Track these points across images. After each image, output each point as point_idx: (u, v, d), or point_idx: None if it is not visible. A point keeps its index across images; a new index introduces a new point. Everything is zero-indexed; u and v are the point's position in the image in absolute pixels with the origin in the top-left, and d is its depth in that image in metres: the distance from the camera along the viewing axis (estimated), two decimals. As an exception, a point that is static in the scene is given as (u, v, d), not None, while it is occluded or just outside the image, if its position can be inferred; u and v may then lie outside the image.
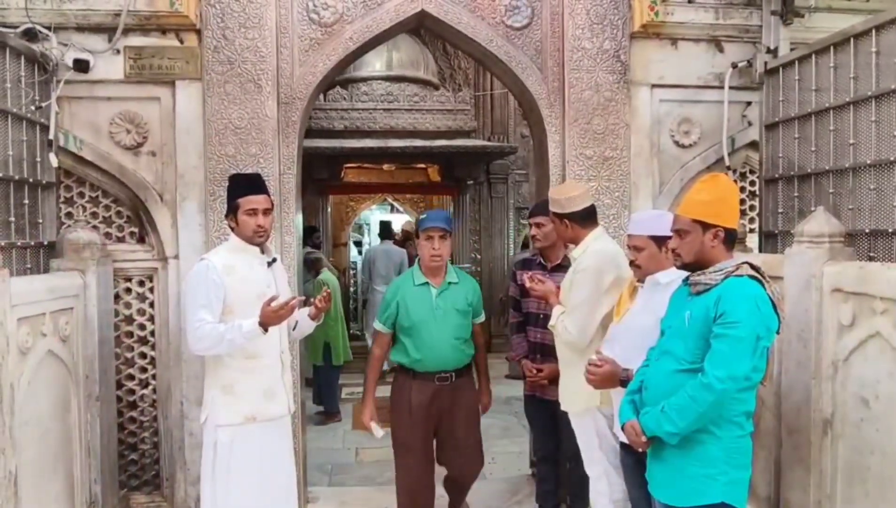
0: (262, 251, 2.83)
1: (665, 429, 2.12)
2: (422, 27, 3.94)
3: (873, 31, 2.94)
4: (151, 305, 3.66)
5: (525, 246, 7.08)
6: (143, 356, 3.68)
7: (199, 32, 3.53)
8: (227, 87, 3.52)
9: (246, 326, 2.61)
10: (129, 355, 3.66)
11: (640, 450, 2.30)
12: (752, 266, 2.15)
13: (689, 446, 2.14)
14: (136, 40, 3.51)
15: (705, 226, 2.16)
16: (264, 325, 2.61)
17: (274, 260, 2.89)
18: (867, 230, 2.99)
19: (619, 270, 2.83)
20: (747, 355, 2.03)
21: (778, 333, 2.17)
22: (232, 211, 2.74)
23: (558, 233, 3.07)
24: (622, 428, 2.34)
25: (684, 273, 2.59)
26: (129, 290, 3.65)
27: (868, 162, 2.98)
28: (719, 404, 2.06)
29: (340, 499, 4.05)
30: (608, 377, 2.55)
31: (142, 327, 3.67)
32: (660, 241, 2.57)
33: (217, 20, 3.50)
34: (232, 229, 2.81)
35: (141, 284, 3.66)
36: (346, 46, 3.64)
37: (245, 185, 2.76)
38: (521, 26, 3.75)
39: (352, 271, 10.38)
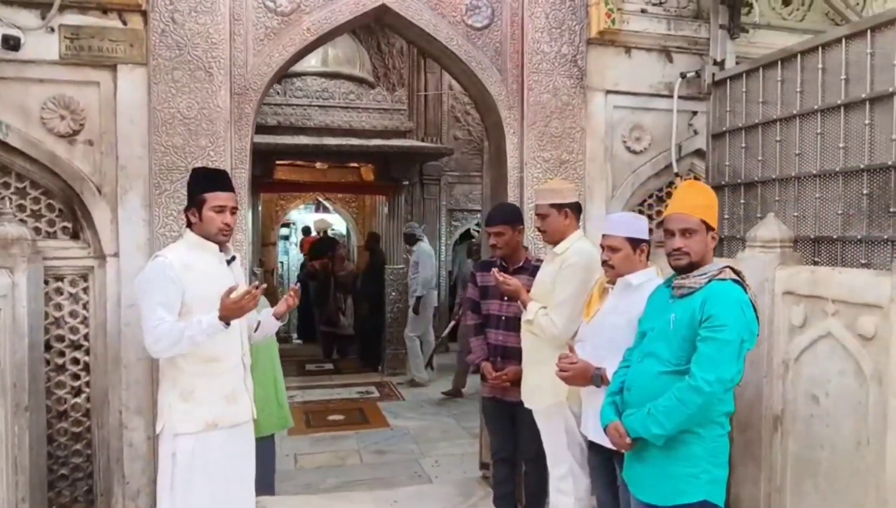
0: (221, 249, 2.68)
1: (652, 431, 2.15)
2: (380, 22, 3.85)
3: (819, 49, 3.11)
4: (86, 306, 3.39)
5: (471, 254, 7.02)
6: (76, 361, 3.40)
7: (144, 14, 3.30)
8: (175, 73, 3.31)
9: (206, 321, 2.44)
10: (59, 360, 3.37)
11: (623, 451, 2.32)
12: (734, 270, 2.21)
13: (674, 446, 2.18)
14: (74, 19, 3.24)
15: (708, 227, 2.22)
16: (225, 319, 2.45)
17: (233, 258, 2.74)
18: (812, 236, 3.16)
19: (599, 269, 2.86)
20: (733, 358, 2.09)
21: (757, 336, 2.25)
22: (195, 205, 2.57)
23: (552, 226, 3.08)
24: (604, 430, 2.35)
25: (655, 275, 2.65)
26: (59, 290, 3.37)
27: (813, 172, 3.15)
28: (707, 406, 2.11)
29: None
30: (581, 373, 2.57)
31: (74, 330, 3.39)
32: (635, 243, 2.62)
33: (165, 2, 3.29)
34: (190, 225, 2.63)
35: (73, 284, 3.38)
36: (303, 38, 3.51)
37: (213, 179, 2.60)
38: (482, 27, 3.74)
39: (279, 275, 10.13)
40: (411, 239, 7.59)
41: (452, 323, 7.45)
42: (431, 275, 7.45)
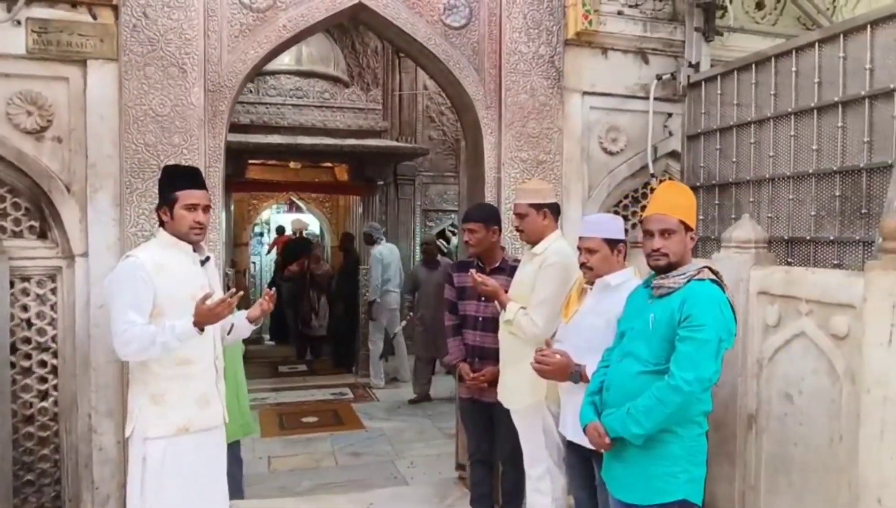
0: (195, 249, 2.63)
1: (632, 431, 2.15)
2: (357, 20, 3.81)
3: (793, 53, 3.16)
4: (53, 307, 3.29)
5: (427, 260, 6.86)
6: (43, 364, 3.30)
7: (115, 8, 3.22)
8: (147, 70, 3.24)
9: (179, 326, 2.38)
10: (25, 363, 3.27)
11: (602, 451, 2.32)
12: (712, 270, 2.23)
13: (653, 446, 2.18)
14: (41, 12, 3.15)
15: (686, 228, 2.23)
16: (200, 325, 2.40)
17: (207, 259, 2.69)
18: (786, 237, 3.21)
19: (577, 270, 2.86)
20: (712, 357, 2.11)
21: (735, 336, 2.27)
22: (167, 204, 2.51)
23: (531, 226, 3.09)
24: (584, 430, 2.35)
25: (632, 276, 2.67)
26: (26, 291, 3.27)
27: (787, 174, 3.19)
28: (686, 405, 2.12)
29: (263, 513, 3.83)
30: (560, 368, 2.56)
31: (41, 332, 3.29)
32: (612, 244, 2.63)
33: (137, -4, 3.22)
34: (162, 224, 2.58)
35: (41, 284, 3.29)
36: (279, 35, 3.46)
37: (185, 177, 2.54)
38: (460, 26, 3.73)
39: (251, 275, 10.00)
40: (368, 239, 7.50)
41: (403, 322, 7.39)
42: (381, 280, 7.24)
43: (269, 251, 11.67)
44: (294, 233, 10.75)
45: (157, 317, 2.44)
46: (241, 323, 2.82)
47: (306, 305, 8.74)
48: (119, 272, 2.47)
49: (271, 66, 7.31)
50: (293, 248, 9.74)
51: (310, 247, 9.32)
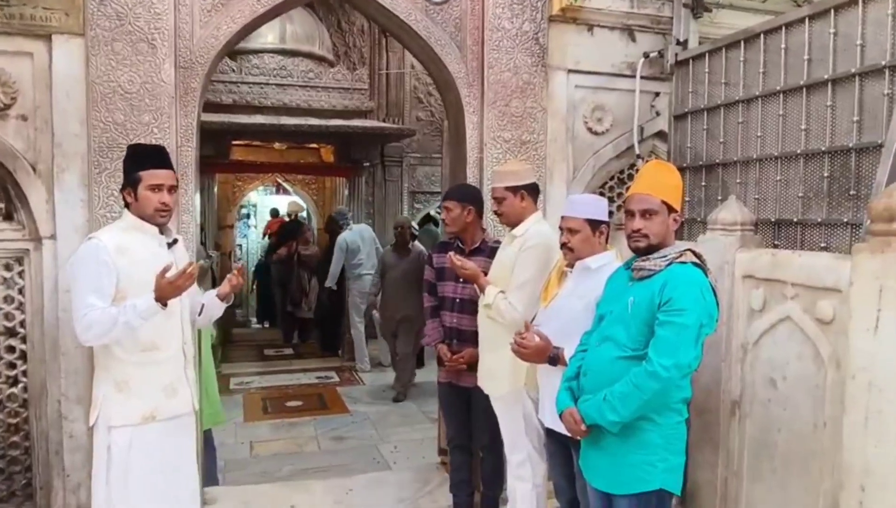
0: (162, 232, 2.53)
1: (608, 418, 2.09)
2: (335, -5, 3.69)
3: (783, 29, 3.07)
4: (21, 291, 3.19)
5: (398, 244, 6.46)
6: (11, 349, 3.21)
7: (81, -19, 3.10)
8: (115, 45, 3.11)
9: (141, 303, 2.29)
10: (-8, 349, 3.19)
11: (578, 438, 2.26)
12: (695, 253, 2.16)
13: (630, 433, 2.12)
14: (3, -16, 3.02)
15: (670, 209, 2.15)
16: (162, 300, 2.31)
17: (175, 241, 2.60)
18: (772, 219, 3.14)
19: (558, 253, 2.79)
20: (692, 343, 2.04)
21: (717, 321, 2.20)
22: (131, 184, 2.41)
23: (509, 209, 3.01)
24: (560, 416, 2.29)
25: (614, 259, 2.59)
26: (-8, 274, 3.17)
27: (774, 154, 3.12)
28: (664, 392, 2.05)
29: (241, 498, 3.76)
30: (538, 351, 2.50)
31: (9, 316, 3.19)
32: (594, 225, 2.55)
33: (103, -32, 3.08)
34: (127, 205, 2.48)
35: (7, 267, 3.18)
36: (253, 9, 3.33)
37: (149, 156, 2.45)
38: (441, 1, 3.61)
39: (237, 258, 9.87)
40: (335, 225, 7.37)
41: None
42: (341, 267, 7.16)
43: (264, 235, 11.53)
44: (288, 215, 10.60)
45: (120, 301, 2.36)
46: (211, 302, 2.75)
47: (296, 286, 8.65)
48: (80, 255, 2.39)
49: (254, 44, 7.20)
50: (288, 230, 9.62)
51: (300, 230, 9.21)
